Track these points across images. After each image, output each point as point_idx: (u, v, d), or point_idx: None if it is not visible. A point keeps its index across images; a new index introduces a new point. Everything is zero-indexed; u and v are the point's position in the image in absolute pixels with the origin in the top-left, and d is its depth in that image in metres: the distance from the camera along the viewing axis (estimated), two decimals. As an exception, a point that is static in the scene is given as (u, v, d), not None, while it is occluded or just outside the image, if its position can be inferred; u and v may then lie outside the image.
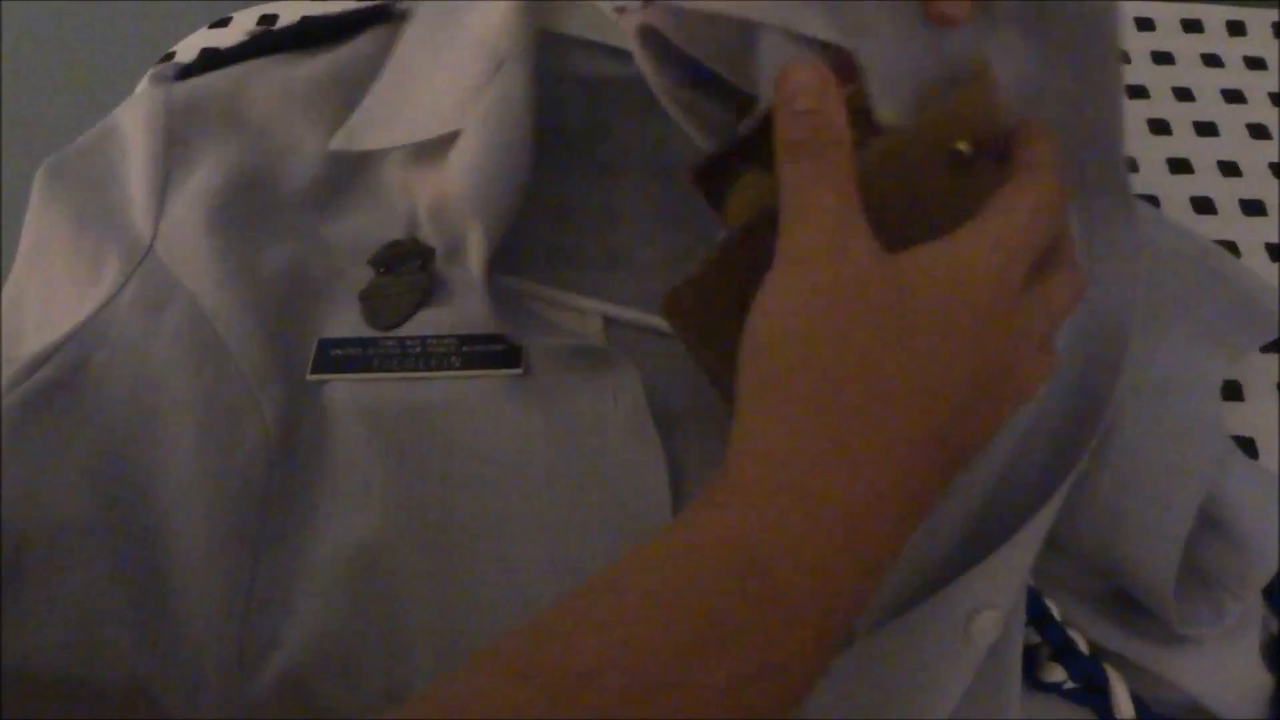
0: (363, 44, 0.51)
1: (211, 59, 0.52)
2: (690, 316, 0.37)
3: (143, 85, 0.51)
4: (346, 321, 0.45)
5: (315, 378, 0.44)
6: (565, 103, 0.51)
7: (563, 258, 0.49)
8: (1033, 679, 0.40)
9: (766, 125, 0.35)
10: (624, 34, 0.40)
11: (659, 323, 0.45)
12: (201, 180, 0.48)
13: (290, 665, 0.38)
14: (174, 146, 0.49)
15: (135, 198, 0.48)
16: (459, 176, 0.43)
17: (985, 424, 0.34)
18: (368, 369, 0.44)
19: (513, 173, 0.43)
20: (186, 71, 0.52)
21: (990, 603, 0.37)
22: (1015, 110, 0.37)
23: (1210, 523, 0.41)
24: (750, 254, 0.35)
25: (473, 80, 0.44)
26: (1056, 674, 0.40)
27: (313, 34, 0.52)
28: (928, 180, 0.35)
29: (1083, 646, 0.40)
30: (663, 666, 0.26)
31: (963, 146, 0.35)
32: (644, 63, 0.40)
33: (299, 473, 0.42)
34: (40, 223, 0.48)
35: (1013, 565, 0.37)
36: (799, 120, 0.34)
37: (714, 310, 0.36)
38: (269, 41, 0.52)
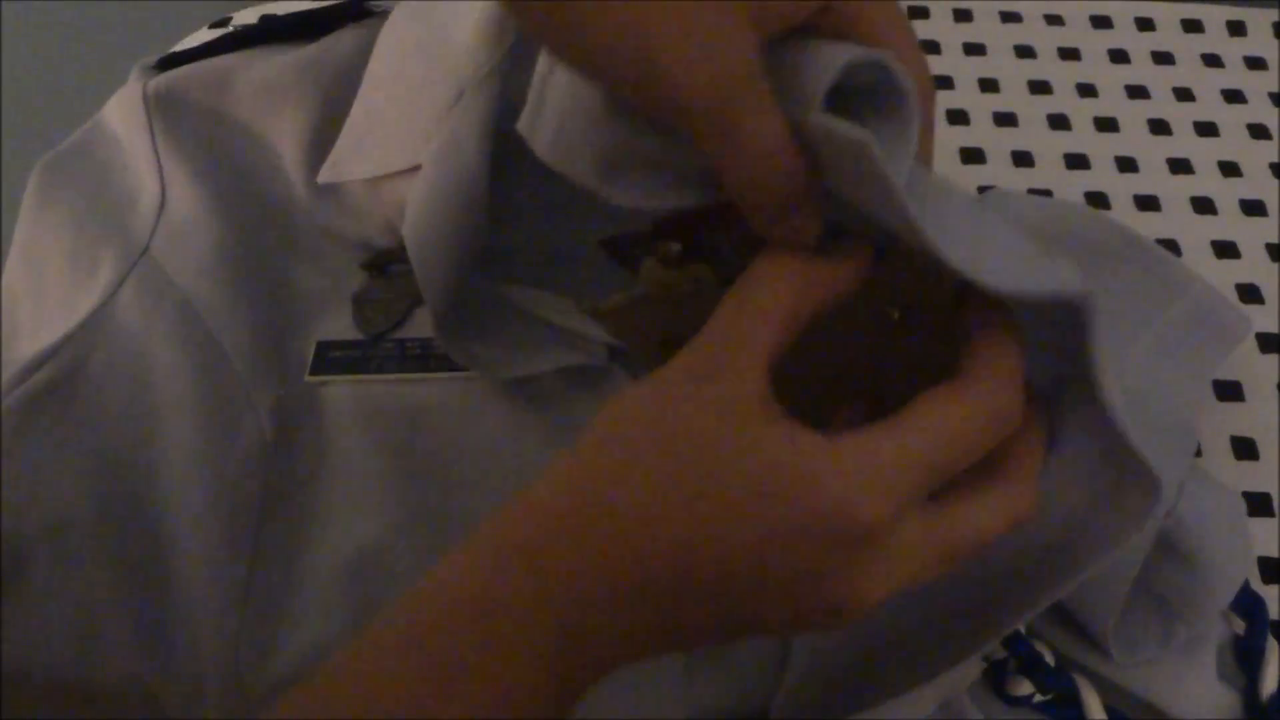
0: (341, 39, 0.50)
1: (187, 53, 0.51)
2: (613, 330, 0.39)
3: (129, 80, 0.51)
4: (339, 325, 0.45)
5: (314, 379, 0.44)
6: None
7: (562, 258, 0.49)
8: (1002, 694, 0.40)
9: (667, 225, 0.36)
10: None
11: None
12: (194, 177, 0.47)
13: (289, 667, 0.38)
14: (162, 140, 0.48)
15: (132, 196, 0.48)
16: (406, 226, 0.42)
17: (747, 621, 0.30)
18: (367, 371, 0.44)
19: (459, 222, 0.42)
20: (165, 63, 0.51)
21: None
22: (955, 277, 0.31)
23: (1167, 547, 0.40)
24: (658, 313, 0.36)
25: (434, 109, 0.43)
26: (1024, 688, 0.40)
27: (287, 29, 0.51)
28: (854, 343, 0.34)
29: (1049, 659, 0.40)
30: (409, 711, 0.27)
31: (894, 313, 0.34)
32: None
33: (297, 474, 0.42)
34: (35, 223, 0.48)
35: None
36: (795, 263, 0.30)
37: (635, 331, 0.38)
38: (244, 36, 0.51)
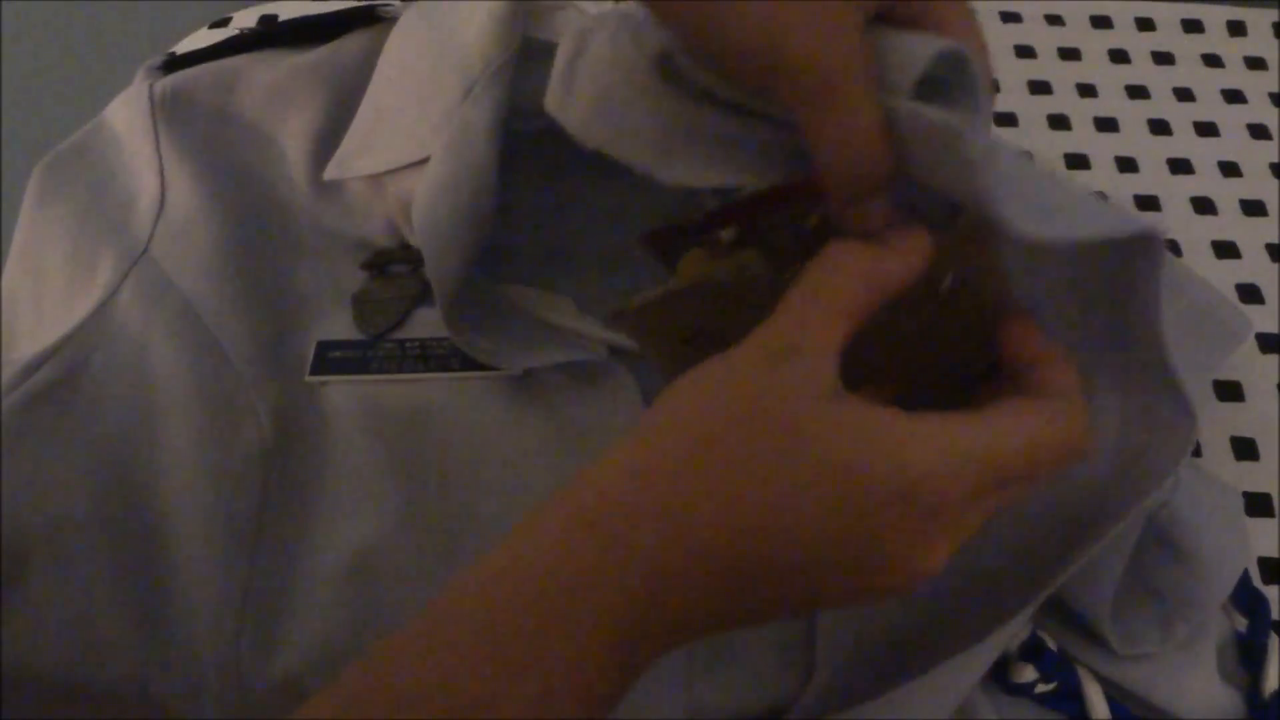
0: (350, 43, 0.50)
1: (194, 55, 0.52)
2: (634, 330, 0.38)
3: (135, 80, 0.51)
4: (339, 325, 0.45)
5: (314, 379, 0.44)
6: None
7: (563, 258, 0.49)
8: (1004, 682, 0.40)
9: (727, 211, 0.35)
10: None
11: None
12: (195, 178, 0.47)
13: (289, 668, 0.38)
14: (166, 141, 0.48)
15: (132, 197, 0.48)
16: (416, 214, 0.43)
17: (817, 599, 0.31)
18: (367, 371, 0.44)
19: (468, 215, 0.42)
20: (172, 64, 0.52)
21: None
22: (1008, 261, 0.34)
23: (1165, 542, 0.40)
24: (691, 308, 0.35)
25: (445, 103, 0.44)
26: (1027, 674, 0.40)
27: (296, 33, 0.51)
28: (902, 314, 0.34)
29: (1051, 645, 0.40)
30: (478, 688, 0.28)
31: (945, 282, 0.34)
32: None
33: (297, 474, 0.42)
34: (35, 224, 0.48)
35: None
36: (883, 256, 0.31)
37: (657, 331, 0.37)
38: (252, 39, 0.52)
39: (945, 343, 0.35)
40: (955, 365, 0.36)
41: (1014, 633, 0.38)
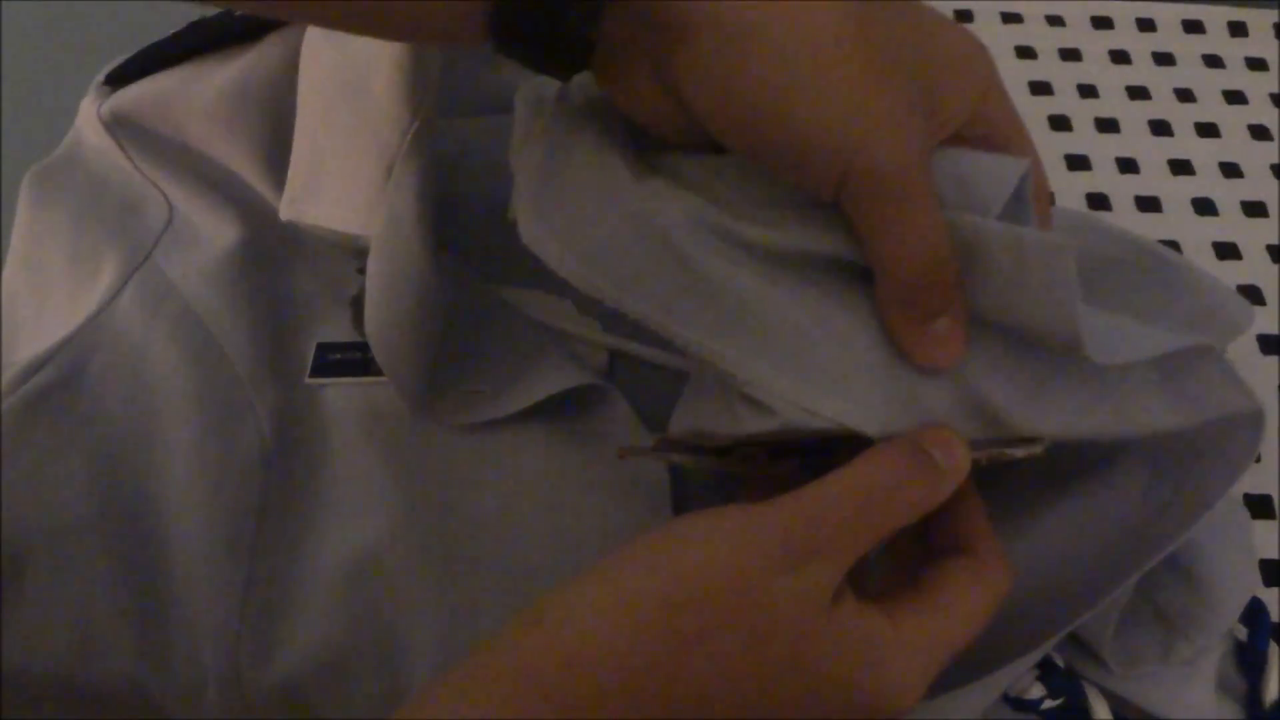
0: (269, 52, 0.47)
1: (126, 71, 0.50)
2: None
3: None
4: (339, 327, 0.45)
5: (314, 381, 0.44)
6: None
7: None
8: (1010, 698, 0.40)
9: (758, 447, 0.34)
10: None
11: (664, 357, 0.45)
12: (185, 188, 0.47)
13: (288, 670, 0.38)
14: (137, 157, 0.48)
15: (134, 202, 0.48)
16: (367, 326, 0.41)
17: None
18: (367, 373, 0.44)
19: (415, 315, 0.41)
20: (112, 78, 0.50)
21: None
22: None
23: (1171, 563, 0.39)
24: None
25: (369, 176, 0.41)
26: (1035, 690, 0.39)
27: (214, 39, 0.49)
28: None
29: (1059, 661, 0.40)
30: None
31: None
32: None
33: (297, 476, 0.42)
34: (33, 226, 0.48)
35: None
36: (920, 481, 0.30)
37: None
38: (170, 47, 0.49)
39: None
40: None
41: (1017, 674, 0.38)
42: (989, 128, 0.32)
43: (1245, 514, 0.44)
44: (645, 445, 0.36)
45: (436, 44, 0.40)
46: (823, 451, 0.33)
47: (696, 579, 0.27)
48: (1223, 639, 0.42)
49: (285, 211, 0.44)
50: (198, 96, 0.48)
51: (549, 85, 0.33)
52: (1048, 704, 0.39)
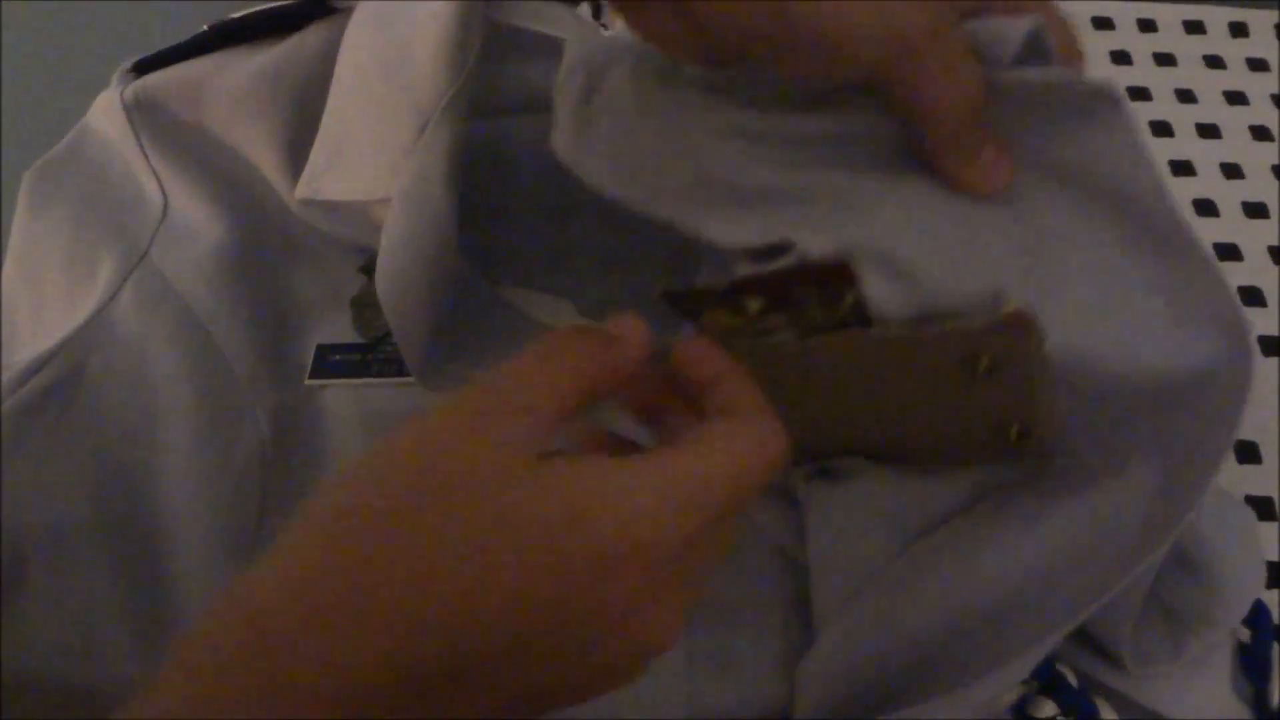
0: (308, 40, 0.48)
1: (160, 57, 0.50)
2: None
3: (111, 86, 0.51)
4: (338, 328, 0.45)
5: (313, 383, 0.44)
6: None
7: (562, 261, 0.49)
8: (1023, 716, 0.40)
9: (757, 281, 0.34)
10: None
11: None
12: (188, 183, 0.47)
13: (288, 671, 0.38)
14: (150, 147, 0.48)
15: (130, 200, 0.48)
16: (378, 277, 0.41)
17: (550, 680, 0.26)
18: (366, 374, 0.44)
19: (431, 268, 0.41)
20: (143, 67, 0.50)
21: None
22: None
23: (1183, 560, 0.39)
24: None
25: (400, 139, 0.42)
26: (1046, 709, 0.39)
27: (254, 30, 0.49)
28: (929, 374, 0.33)
29: (1072, 680, 0.40)
30: None
31: (981, 366, 0.32)
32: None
33: (296, 478, 0.42)
34: (32, 226, 0.48)
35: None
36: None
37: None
38: (214, 37, 0.50)
39: (965, 427, 0.34)
40: (964, 450, 0.35)
41: (1013, 680, 0.38)
42: (1011, 6, 0.33)
43: (1249, 511, 0.44)
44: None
45: None
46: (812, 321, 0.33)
47: (373, 477, 0.26)
48: (1230, 639, 0.42)
49: (302, 190, 0.44)
50: (228, 79, 0.48)
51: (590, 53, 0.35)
52: (1059, 720, 0.39)
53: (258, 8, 0.50)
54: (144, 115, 0.48)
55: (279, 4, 0.50)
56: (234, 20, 0.50)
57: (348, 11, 0.47)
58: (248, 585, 0.25)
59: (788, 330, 0.33)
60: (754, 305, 0.34)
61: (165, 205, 0.47)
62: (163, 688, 0.24)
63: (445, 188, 0.41)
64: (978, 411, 0.34)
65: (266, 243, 0.47)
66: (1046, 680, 0.40)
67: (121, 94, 0.48)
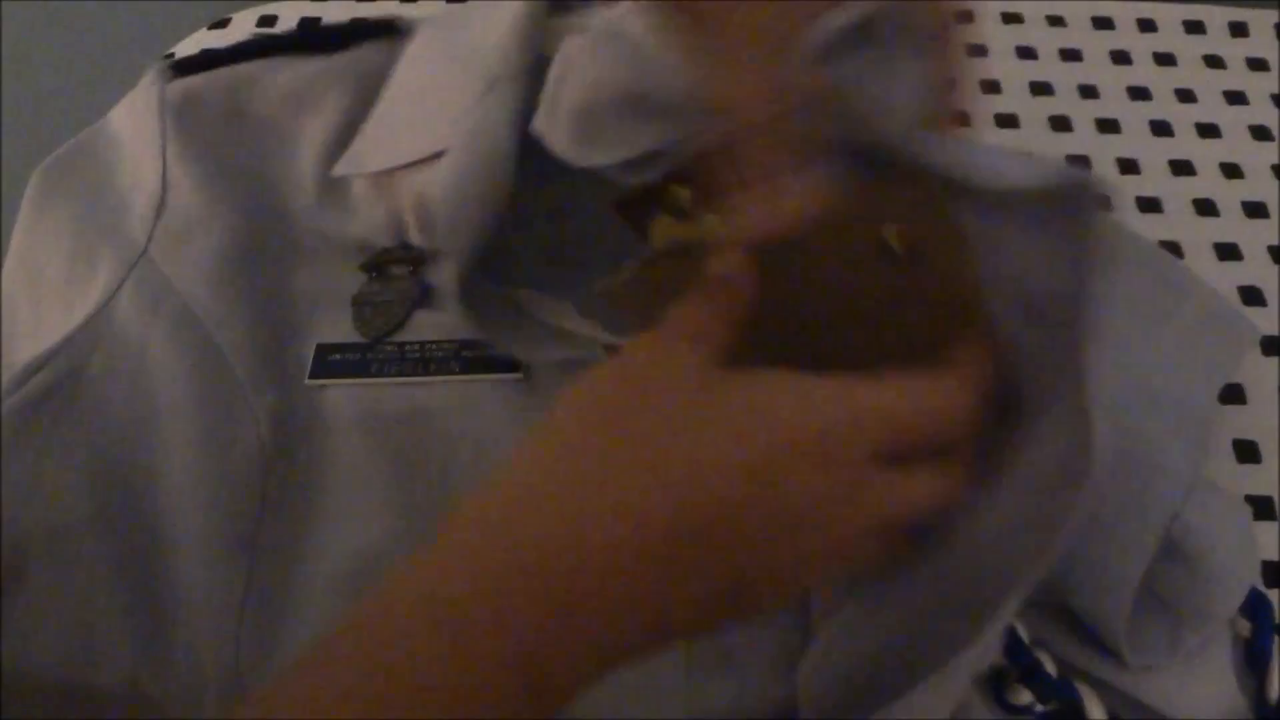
0: (368, 51, 0.50)
1: (211, 57, 0.52)
2: (624, 305, 0.40)
3: (142, 82, 0.51)
4: (339, 328, 0.45)
5: (314, 382, 0.44)
6: None
7: (563, 261, 0.49)
8: (1002, 702, 0.40)
9: (679, 169, 0.38)
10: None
11: None
12: (199, 180, 0.47)
13: (288, 671, 0.38)
14: (174, 143, 0.48)
15: (132, 200, 0.48)
16: (435, 199, 0.42)
17: (761, 558, 0.31)
18: (366, 374, 0.44)
19: (487, 197, 0.42)
20: (184, 67, 0.52)
21: None
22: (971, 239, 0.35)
23: (1174, 552, 0.40)
24: (670, 275, 0.37)
25: (464, 100, 0.43)
26: (1024, 697, 0.40)
27: (316, 39, 0.52)
28: (849, 265, 0.36)
29: (1050, 668, 0.40)
30: (371, 710, 0.27)
31: (892, 239, 0.35)
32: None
33: (296, 477, 0.42)
34: (34, 226, 0.48)
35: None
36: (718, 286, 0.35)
37: (646, 307, 0.38)
38: (271, 43, 0.52)
39: (904, 320, 0.36)
40: (915, 350, 0.36)
41: (994, 645, 0.38)
42: None
43: (1243, 504, 0.45)
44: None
45: None
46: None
47: (589, 394, 0.32)
48: (1229, 633, 0.42)
49: (342, 167, 0.47)
50: (286, 76, 0.50)
51: None
52: (1040, 708, 0.39)
53: (303, 16, 0.52)
54: (182, 112, 0.49)
55: (346, 20, 0.53)
56: (297, 31, 0.52)
57: (409, 32, 0.50)
58: (500, 469, 0.31)
59: (721, 223, 0.36)
60: (684, 195, 0.37)
61: (163, 199, 0.47)
62: (414, 568, 0.29)
63: (510, 132, 0.42)
64: (914, 300, 0.35)
65: (268, 243, 0.47)
66: (1024, 668, 0.40)
67: (163, 89, 0.49)
